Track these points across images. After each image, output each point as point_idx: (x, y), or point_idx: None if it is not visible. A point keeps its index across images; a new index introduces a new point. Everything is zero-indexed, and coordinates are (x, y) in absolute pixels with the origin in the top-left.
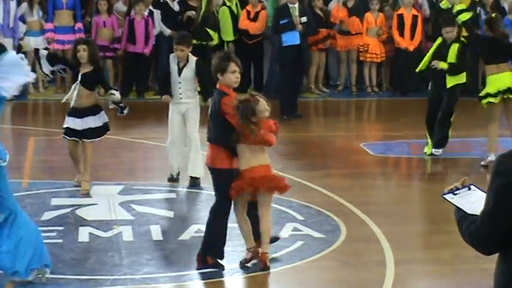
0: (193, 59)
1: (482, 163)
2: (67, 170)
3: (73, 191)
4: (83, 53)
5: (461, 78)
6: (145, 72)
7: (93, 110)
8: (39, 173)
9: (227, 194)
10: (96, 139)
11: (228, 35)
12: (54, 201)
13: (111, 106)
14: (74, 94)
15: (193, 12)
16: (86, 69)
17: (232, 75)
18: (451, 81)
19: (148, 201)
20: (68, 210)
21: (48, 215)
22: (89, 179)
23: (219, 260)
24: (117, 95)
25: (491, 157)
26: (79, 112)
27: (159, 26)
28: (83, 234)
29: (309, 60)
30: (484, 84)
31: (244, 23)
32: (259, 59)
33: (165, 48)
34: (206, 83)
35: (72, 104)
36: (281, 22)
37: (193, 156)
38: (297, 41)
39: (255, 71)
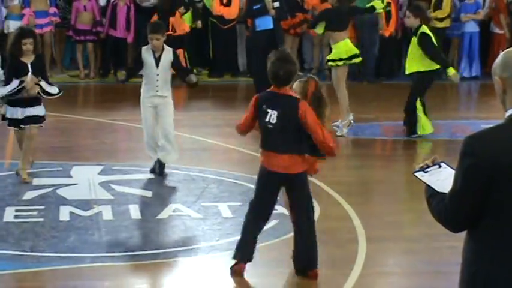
0: (169, 49)
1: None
2: (47, 151)
3: (54, 171)
4: (29, 46)
5: (422, 66)
6: (125, 57)
7: (38, 99)
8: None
9: (310, 193)
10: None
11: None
12: (36, 181)
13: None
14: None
15: None
16: (29, 58)
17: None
18: (409, 68)
19: (128, 182)
20: (49, 189)
21: (29, 195)
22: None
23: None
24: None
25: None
26: (24, 101)
27: None
28: (64, 213)
29: (281, 44)
30: None
31: (218, 9)
32: (234, 43)
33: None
34: (183, 67)
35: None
36: (254, 7)
37: (168, 145)
38: (270, 26)
39: (230, 55)
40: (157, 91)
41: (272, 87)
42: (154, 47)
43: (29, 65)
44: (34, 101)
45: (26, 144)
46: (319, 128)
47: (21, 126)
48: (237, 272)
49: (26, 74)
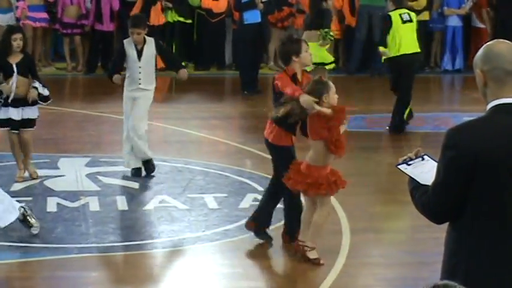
0: (151, 40)
1: None
2: (34, 143)
3: (41, 163)
4: (19, 42)
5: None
6: (112, 50)
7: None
8: (9, 145)
9: (284, 172)
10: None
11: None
12: (23, 173)
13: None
14: (13, 86)
15: None
16: (16, 58)
17: (307, 54)
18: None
19: (114, 173)
20: (36, 181)
21: (17, 186)
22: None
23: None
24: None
25: None
26: (17, 102)
27: None
28: (51, 204)
29: (268, 37)
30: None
31: (207, 2)
32: (222, 36)
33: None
34: (171, 56)
35: (11, 96)
36: (243, 1)
37: (139, 142)
38: (258, 19)
39: (217, 48)
40: (139, 84)
41: None
42: (135, 41)
43: (15, 66)
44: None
45: (26, 149)
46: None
47: (15, 130)
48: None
49: (11, 75)
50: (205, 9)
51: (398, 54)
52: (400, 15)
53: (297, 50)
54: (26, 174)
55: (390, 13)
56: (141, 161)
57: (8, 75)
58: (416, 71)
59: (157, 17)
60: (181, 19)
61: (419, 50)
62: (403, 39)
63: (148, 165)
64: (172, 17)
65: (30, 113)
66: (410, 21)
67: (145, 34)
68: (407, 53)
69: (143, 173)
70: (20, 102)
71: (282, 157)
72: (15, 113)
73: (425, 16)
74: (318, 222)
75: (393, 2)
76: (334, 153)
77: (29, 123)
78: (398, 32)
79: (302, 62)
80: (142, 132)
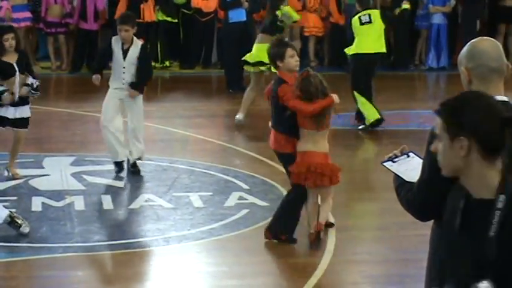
0: (138, 42)
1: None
2: None
3: (26, 162)
4: (12, 42)
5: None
6: (97, 49)
7: (26, 98)
8: None
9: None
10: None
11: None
12: (7, 172)
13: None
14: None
15: None
16: (13, 57)
17: (292, 60)
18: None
19: (100, 172)
20: (21, 180)
21: (1, 186)
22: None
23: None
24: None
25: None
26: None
27: None
28: (36, 203)
29: (253, 36)
30: None
31: (196, 1)
32: (211, 35)
33: None
34: (144, 72)
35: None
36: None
37: (135, 142)
38: (243, 18)
39: (206, 47)
40: (123, 84)
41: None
42: (122, 38)
43: (15, 65)
44: (24, 100)
45: (15, 147)
46: (294, 103)
47: (10, 127)
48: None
49: (14, 74)
50: (195, 9)
51: (357, 52)
52: (359, 17)
53: (280, 55)
54: (6, 173)
55: (353, 18)
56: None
57: (9, 75)
58: (372, 71)
59: (150, 14)
60: (169, 19)
61: (380, 51)
62: (362, 40)
63: (121, 165)
64: (159, 16)
65: (24, 112)
66: (370, 22)
67: (134, 33)
68: (365, 52)
69: (122, 170)
70: (17, 101)
71: (289, 163)
72: (11, 112)
73: (406, 4)
74: (324, 216)
75: (359, 4)
76: (306, 126)
77: (23, 122)
78: (357, 33)
79: (286, 66)
80: (142, 136)
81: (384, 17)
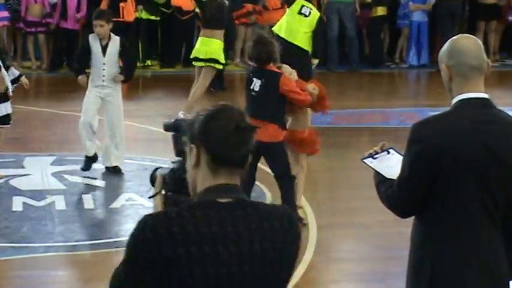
0: (116, 38)
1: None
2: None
3: (6, 162)
4: None
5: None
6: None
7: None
8: None
9: (289, 164)
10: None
11: None
12: None
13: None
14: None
15: None
16: None
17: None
18: None
19: (80, 172)
20: (2, 180)
21: None
22: None
23: None
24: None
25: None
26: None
27: None
28: (17, 203)
29: (233, 34)
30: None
31: (176, 0)
32: (191, 34)
33: None
34: (129, 61)
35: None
36: None
37: (120, 148)
38: None
39: (186, 46)
40: (103, 81)
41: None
42: (98, 34)
43: (0, 62)
44: (6, 96)
45: None
46: (297, 92)
47: None
48: None
49: None
50: (175, 7)
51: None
52: (302, 6)
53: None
54: None
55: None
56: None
57: None
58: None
59: (129, 13)
60: (152, 17)
61: (295, 43)
62: (287, 25)
63: (89, 163)
64: (142, 15)
65: (9, 108)
66: (307, 16)
67: (111, 30)
68: (283, 37)
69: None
70: (1, 97)
71: (281, 150)
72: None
73: (383, 11)
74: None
75: None
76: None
77: (5, 119)
78: (288, 16)
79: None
80: (120, 140)
81: (319, 24)
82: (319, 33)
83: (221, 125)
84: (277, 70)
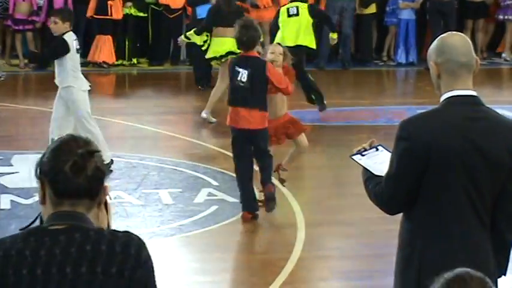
0: (70, 35)
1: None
2: None
3: None
4: None
5: None
6: None
7: None
8: None
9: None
10: None
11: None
12: None
13: None
14: None
15: None
16: None
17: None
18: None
19: None
20: None
21: None
22: None
23: None
24: None
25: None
26: None
27: None
28: (5, 201)
29: None
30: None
31: None
32: (179, 32)
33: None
34: (47, 49)
35: None
36: None
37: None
38: None
39: (174, 44)
40: (54, 78)
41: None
42: (51, 29)
43: None
44: None
45: None
46: (283, 79)
47: None
48: (244, 219)
49: None
50: (163, 5)
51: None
52: (288, 9)
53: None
54: None
55: (281, 8)
56: None
57: None
58: (299, 63)
59: (117, 12)
60: (141, 14)
61: (303, 44)
62: (285, 32)
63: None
64: (132, 11)
65: None
66: (297, 15)
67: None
68: (286, 45)
69: None
70: None
71: (265, 136)
72: None
73: (371, 9)
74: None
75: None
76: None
77: None
78: (283, 25)
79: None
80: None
81: (311, 12)
82: (319, 14)
83: (58, 158)
84: (260, 57)
